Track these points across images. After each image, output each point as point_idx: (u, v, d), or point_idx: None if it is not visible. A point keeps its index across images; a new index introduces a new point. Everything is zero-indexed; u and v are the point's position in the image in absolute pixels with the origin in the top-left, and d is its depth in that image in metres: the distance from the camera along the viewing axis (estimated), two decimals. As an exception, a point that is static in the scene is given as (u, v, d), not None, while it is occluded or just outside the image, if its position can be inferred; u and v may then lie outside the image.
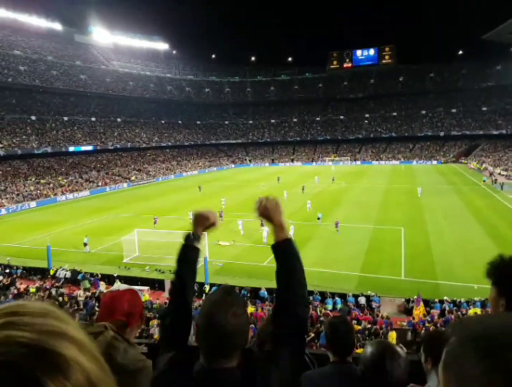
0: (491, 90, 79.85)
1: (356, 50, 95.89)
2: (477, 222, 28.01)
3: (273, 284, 12.27)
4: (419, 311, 13.95)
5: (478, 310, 13.92)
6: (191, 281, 1.69)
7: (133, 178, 57.64)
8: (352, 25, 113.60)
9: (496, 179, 45.82)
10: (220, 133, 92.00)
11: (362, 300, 15.56)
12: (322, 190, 43.98)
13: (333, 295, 16.16)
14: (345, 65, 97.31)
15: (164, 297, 17.02)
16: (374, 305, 15.34)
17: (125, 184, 54.38)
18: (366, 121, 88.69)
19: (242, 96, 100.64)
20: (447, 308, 14.36)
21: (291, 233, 23.40)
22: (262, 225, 24.01)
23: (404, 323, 13.75)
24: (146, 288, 18.04)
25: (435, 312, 14.54)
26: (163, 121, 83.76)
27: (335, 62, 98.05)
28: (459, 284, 17.37)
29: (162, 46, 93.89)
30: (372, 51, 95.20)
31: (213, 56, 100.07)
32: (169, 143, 77.77)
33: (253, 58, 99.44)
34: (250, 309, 13.85)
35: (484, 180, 45.72)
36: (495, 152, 66.77)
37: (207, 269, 18.85)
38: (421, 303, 14.06)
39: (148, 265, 21.25)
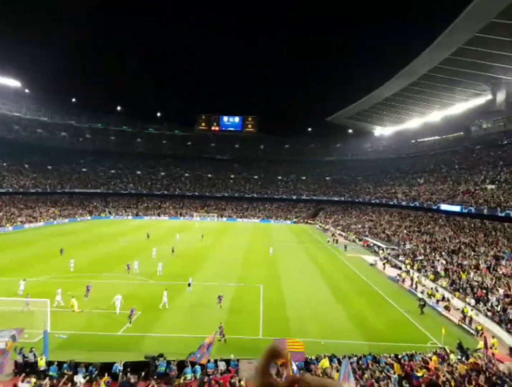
0: (332, 163, 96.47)
1: (223, 116, 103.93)
2: (322, 279, 31.66)
3: (129, 357, 10.95)
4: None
5: (326, 363, 15.17)
6: None
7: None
8: (220, 94, 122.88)
9: (337, 240, 53.48)
10: (75, 181, 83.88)
11: (221, 365, 15.16)
12: (191, 248, 43.23)
13: (192, 363, 15.36)
14: (213, 128, 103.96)
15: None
16: (232, 369, 15.12)
17: None
18: (231, 181, 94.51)
19: (105, 144, 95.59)
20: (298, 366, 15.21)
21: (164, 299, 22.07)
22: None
23: None
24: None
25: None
26: (4, 164, 72.09)
27: (203, 124, 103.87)
28: (309, 340, 18.79)
29: (12, 82, 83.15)
30: (237, 119, 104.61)
31: (74, 100, 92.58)
32: (10, 190, 66.80)
33: (119, 108, 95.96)
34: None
35: (328, 241, 52.73)
36: (335, 215, 78.63)
37: (47, 343, 15.91)
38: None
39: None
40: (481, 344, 17.24)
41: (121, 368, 14.71)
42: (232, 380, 13.49)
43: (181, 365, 14.79)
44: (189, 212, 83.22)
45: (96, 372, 14.50)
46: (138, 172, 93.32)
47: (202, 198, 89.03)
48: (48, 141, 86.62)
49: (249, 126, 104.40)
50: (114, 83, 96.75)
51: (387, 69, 52.97)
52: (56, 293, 21.93)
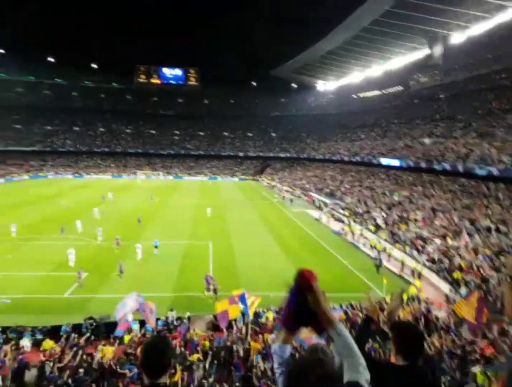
0: (278, 119, 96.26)
1: (163, 68, 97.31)
2: (270, 234, 32.72)
3: (75, 319, 10.78)
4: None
5: (272, 314, 16.08)
6: None
7: None
8: (159, 43, 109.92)
9: (284, 196, 54.91)
10: (9, 139, 76.23)
11: (171, 316, 16.08)
12: (137, 208, 41.85)
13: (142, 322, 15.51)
14: (153, 80, 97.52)
15: None
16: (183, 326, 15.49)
17: None
18: (176, 137, 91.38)
19: (38, 98, 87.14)
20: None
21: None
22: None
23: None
24: None
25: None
26: None
27: (142, 76, 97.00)
28: (259, 294, 19.58)
29: None
30: (179, 71, 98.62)
31: (0, 50, 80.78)
32: None
33: (52, 59, 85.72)
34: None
35: (275, 197, 53.90)
36: (281, 171, 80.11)
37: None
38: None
39: None
40: (414, 288, 19.33)
41: (69, 330, 14.57)
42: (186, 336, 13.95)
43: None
44: (133, 170, 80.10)
45: (42, 336, 14.27)
46: (76, 128, 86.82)
47: (146, 155, 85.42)
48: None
49: (192, 79, 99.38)
50: (43, 29, 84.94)
51: (330, 21, 51.86)
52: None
